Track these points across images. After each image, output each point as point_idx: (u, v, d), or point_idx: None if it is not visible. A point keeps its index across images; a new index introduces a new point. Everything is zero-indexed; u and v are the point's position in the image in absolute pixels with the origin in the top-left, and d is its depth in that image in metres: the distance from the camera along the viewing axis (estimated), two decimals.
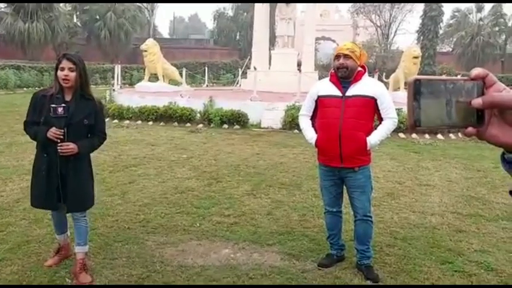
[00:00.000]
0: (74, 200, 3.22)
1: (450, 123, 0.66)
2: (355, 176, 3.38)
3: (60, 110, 3.05)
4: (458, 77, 0.69)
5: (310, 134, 3.49)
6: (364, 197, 3.43)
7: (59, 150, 3.07)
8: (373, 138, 3.33)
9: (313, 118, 3.54)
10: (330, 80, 3.41)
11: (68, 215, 3.41)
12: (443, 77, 0.68)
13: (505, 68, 32.73)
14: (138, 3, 37.01)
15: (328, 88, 3.39)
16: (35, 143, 3.30)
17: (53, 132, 3.03)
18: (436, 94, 0.65)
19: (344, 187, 3.53)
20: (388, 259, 3.72)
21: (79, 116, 3.13)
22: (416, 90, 0.64)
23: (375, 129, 3.41)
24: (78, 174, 3.20)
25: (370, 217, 3.49)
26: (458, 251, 3.91)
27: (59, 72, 3.08)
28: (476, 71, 0.66)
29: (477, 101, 0.65)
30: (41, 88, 3.39)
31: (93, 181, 3.43)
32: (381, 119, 3.40)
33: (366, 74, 3.43)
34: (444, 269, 3.58)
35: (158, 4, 42.96)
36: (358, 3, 33.00)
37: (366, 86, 3.32)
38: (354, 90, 3.30)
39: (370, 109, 3.34)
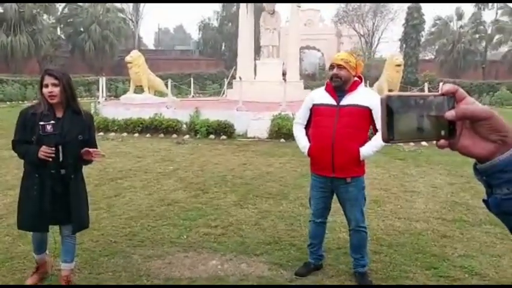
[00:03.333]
0: (68, 220, 3.17)
1: (422, 135, 0.69)
2: (347, 187, 3.36)
3: (48, 127, 2.97)
4: (428, 92, 0.73)
5: (303, 142, 3.49)
6: (356, 209, 3.42)
7: (96, 160, 3.12)
8: (366, 149, 3.29)
9: (307, 127, 3.54)
10: (325, 89, 3.39)
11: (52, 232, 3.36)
12: (414, 93, 0.72)
13: (486, 74, 33.34)
14: (122, 15, 37.00)
15: (323, 97, 3.38)
16: (18, 157, 3.21)
17: (43, 151, 2.92)
18: (407, 109, 0.68)
19: (335, 198, 3.51)
20: (375, 266, 3.75)
21: (74, 132, 3.06)
22: (388, 105, 0.68)
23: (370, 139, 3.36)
24: (72, 192, 3.13)
25: (364, 227, 3.48)
26: (443, 256, 3.97)
27: (44, 90, 3.01)
28: (447, 87, 0.70)
29: (450, 113, 0.68)
30: (27, 104, 3.33)
31: (88, 202, 3.41)
32: (376, 130, 3.35)
33: (362, 84, 3.41)
34: (429, 274, 3.62)
35: (143, 15, 43.01)
36: (340, 12, 33.45)
37: (361, 96, 3.29)
38: (348, 99, 3.28)
39: (364, 119, 3.29)
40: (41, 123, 2.97)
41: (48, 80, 3.01)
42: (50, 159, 2.96)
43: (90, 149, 3.05)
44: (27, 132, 3.04)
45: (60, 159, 3.00)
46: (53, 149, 2.96)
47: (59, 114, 3.05)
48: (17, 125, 3.12)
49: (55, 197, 3.06)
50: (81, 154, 3.06)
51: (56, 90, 3.00)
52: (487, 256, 3.98)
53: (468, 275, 3.61)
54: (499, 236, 4.40)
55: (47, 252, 3.50)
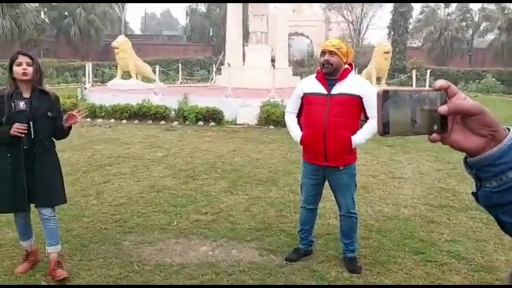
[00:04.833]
0: (42, 193, 3.17)
1: (416, 130, 0.71)
2: (339, 175, 3.38)
3: (21, 104, 3.08)
4: (423, 88, 0.73)
5: (295, 131, 3.49)
6: (347, 195, 3.46)
7: (78, 121, 3.19)
8: (358, 137, 3.31)
9: (299, 115, 3.53)
10: (316, 77, 3.36)
11: (36, 217, 3.33)
12: (409, 88, 0.73)
13: (472, 61, 33.65)
14: None
15: (313, 85, 3.36)
16: None
17: (16, 127, 3.00)
18: (402, 104, 0.69)
19: (326, 185, 3.54)
20: (364, 251, 3.81)
21: (43, 109, 3.15)
22: (384, 100, 0.69)
23: (361, 127, 3.37)
24: (45, 167, 3.18)
25: (354, 213, 3.52)
26: (430, 242, 4.04)
27: (16, 68, 3.09)
28: (440, 83, 0.71)
29: (443, 108, 0.70)
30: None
31: (62, 177, 3.38)
32: (367, 118, 3.36)
33: (353, 71, 3.39)
34: (417, 259, 3.69)
35: None
36: None
37: (351, 84, 3.27)
38: (339, 88, 3.26)
39: (355, 108, 3.29)
40: (14, 100, 3.06)
41: (23, 59, 3.10)
42: (23, 136, 3.03)
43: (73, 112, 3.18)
44: None
45: (32, 135, 3.09)
46: (25, 125, 3.04)
47: (26, 95, 3.15)
48: None
49: (28, 174, 3.12)
50: (65, 121, 3.20)
51: (30, 68, 3.09)
52: (473, 241, 4.07)
53: (455, 260, 3.68)
54: (485, 221, 4.49)
55: (34, 238, 3.47)
